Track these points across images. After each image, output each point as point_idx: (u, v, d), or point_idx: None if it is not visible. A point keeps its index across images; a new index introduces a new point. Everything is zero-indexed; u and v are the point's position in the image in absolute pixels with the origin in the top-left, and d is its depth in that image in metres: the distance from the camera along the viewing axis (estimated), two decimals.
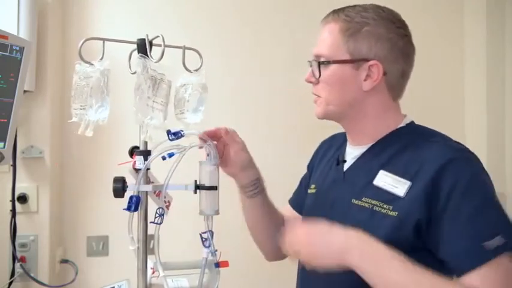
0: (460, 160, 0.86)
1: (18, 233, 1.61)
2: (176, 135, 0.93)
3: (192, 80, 1.00)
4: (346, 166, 1.00)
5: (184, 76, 1.01)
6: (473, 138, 2.13)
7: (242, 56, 1.99)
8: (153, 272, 1.03)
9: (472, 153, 0.88)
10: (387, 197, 0.88)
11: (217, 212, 0.96)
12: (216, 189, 0.96)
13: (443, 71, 2.15)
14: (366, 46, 0.92)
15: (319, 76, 0.94)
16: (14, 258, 1.60)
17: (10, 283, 1.61)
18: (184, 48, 1.01)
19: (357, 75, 0.93)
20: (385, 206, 0.87)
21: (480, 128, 2.11)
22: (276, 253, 1.08)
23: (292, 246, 0.88)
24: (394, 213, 0.86)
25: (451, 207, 0.82)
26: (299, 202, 1.15)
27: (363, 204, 0.91)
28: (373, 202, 0.89)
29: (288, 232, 0.89)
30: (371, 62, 0.92)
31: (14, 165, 1.59)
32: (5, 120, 1.26)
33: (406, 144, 0.92)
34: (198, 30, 1.93)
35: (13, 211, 1.60)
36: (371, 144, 0.97)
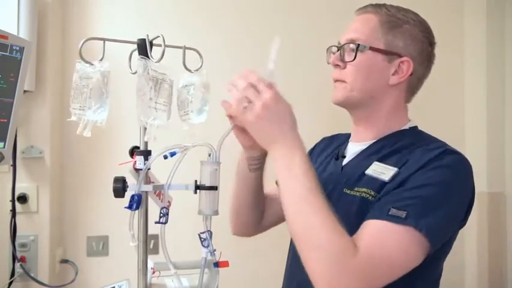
0: (452, 154, 0.87)
1: (18, 233, 1.61)
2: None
3: (193, 81, 1.00)
4: (345, 161, 1.02)
5: (185, 77, 1.01)
6: (473, 138, 2.13)
7: (242, 56, 1.99)
8: (154, 272, 1.03)
9: (468, 161, 0.89)
10: (375, 183, 0.89)
11: (216, 213, 0.95)
12: (217, 189, 0.95)
13: (443, 71, 2.14)
14: (402, 42, 0.94)
15: (353, 59, 0.94)
16: (14, 258, 1.60)
17: (10, 283, 1.61)
18: (185, 48, 1.00)
19: (387, 68, 0.95)
20: (372, 192, 0.88)
21: (480, 128, 2.11)
22: (244, 229, 1.13)
23: (246, 97, 0.85)
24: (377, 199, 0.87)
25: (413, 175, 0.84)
26: None
27: (354, 193, 0.92)
28: (362, 189, 0.90)
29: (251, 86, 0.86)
30: (403, 59, 0.94)
31: (14, 165, 1.59)
32: (5, 120, 1.26)
33: (405, 145, 0.93)
34: (198, 30, 1.93)
35: (13, 211, 1.60)
36: (372, 142, 0.98)
